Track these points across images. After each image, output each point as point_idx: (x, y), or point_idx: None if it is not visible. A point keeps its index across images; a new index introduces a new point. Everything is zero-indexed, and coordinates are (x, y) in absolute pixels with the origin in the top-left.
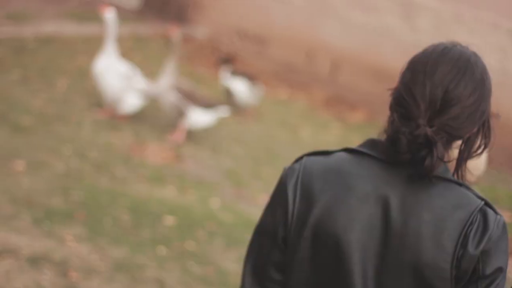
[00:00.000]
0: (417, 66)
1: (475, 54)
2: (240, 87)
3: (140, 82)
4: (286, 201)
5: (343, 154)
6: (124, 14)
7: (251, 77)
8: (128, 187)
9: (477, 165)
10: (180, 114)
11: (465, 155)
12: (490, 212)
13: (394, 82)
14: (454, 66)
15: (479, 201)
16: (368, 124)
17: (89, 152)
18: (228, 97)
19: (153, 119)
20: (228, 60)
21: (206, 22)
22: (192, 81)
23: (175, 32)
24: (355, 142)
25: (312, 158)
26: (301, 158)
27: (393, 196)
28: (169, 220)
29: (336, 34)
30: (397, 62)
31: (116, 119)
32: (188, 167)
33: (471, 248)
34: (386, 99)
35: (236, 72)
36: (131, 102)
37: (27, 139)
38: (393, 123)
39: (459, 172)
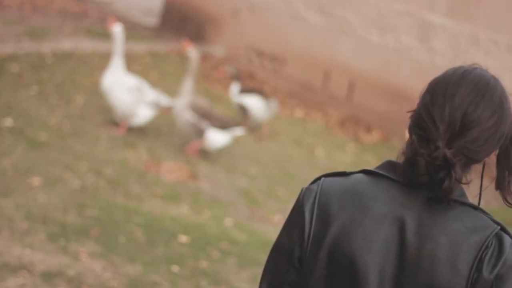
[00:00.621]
0: (437, 89)
1: (494, 78)
2: (254, 103)
3: (149, 94)
4: (303, 221)
5: (361, 175)
6: (141, 32)
7: (262, 93)
8: (142, 204)
9: None
10: (196, 133)
11: (506, 170)
12: (505, 236)
13: (410, 102)
14: (474, 89)
15: (494, 225)
16: (383, 144)
17: (104, 168)
18: (242, 114)
19: (168, 136)
20: (238, 77)
21: (223, 41)
22: (208, 99)
23: (191, 49)
24: (370, 162)
25: (330, 179)
26: (319, 178)
27: (409, 218)
28: (183, 239)
29: (352, 54)
30: (413, 83)
31: (130, 134)
32: (203, 185)
33: (485, 272)
34: (401, 119)
35: (246, 89)
36: (142, 114)
37: (44, 155)
38: (411, 145)
39: (504, 192)
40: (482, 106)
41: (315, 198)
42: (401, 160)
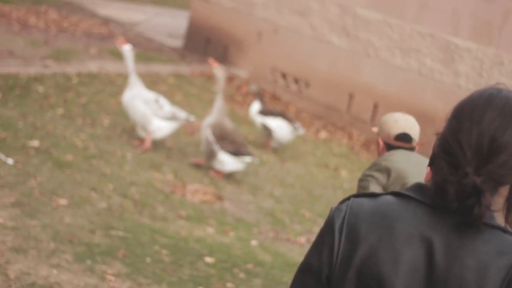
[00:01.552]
0: (463, 113)
1: None
2: (278, 125)
3: (165, 107)
4: (332, 241)
5: (389, 197)
6: (166, 54)
7: (286, 116)
8: (168, 225)
9: None
10: (208, 153)
11: None
12: None
13: (433, 124)
14: (501, 113)
15: None
16: None
17: (130, 189)
18: (265, 134)
19: (193, 157)
20: (260, 95)
21: (248, 63)
22: (232, 120)
23: (217, 68)
24: None
25: (359, 199)
26: (348, 199)
27: (437, 240)
28: (209, 260)
29: (377, 76)
30: (437, 104)
31: (156, 155)
32: (228, 206)
33: None
34: (425, 141)
35: (268, 109)
36: (159, 126)
37: (70, 176)
38: (441, 171)
39: (509, 218)
40: (510, 131)
41: (344, 218)
42: (429, 183)
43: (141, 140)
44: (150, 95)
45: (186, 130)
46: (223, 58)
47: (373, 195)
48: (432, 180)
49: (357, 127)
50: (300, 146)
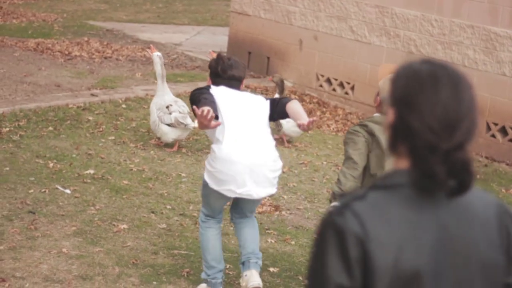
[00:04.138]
0: (413, 97)
1: (451, 65)
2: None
3: (173, 114)
4: (356, 253)
5: (379, 192)
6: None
7: None
8: (229, 239)
9: None
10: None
11: None
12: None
13: (483, 114)
14: (452, 85)
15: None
16: None
17: (188, 208)
18: (276, 128)
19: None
20: (281, 87)
21: (291, 71)
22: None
23: (156, 54)
24: None
25: (357, 204)
26: (344, 208)
27: (441, 216)
28: (273, 270)
29: None
30: (483, 94)
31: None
32: (286, 215)
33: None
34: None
35: None
36: (164, 131)
37: (128, 200)
38: (418, 156)
39: None
40: (465, 97)
41: (356, 226)
42: (407, 168)
43: (171, 146)
44: (168, 99)
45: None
46: (266, 70)
47: (360, 196)
48: (414, 167)
49: None
50: None
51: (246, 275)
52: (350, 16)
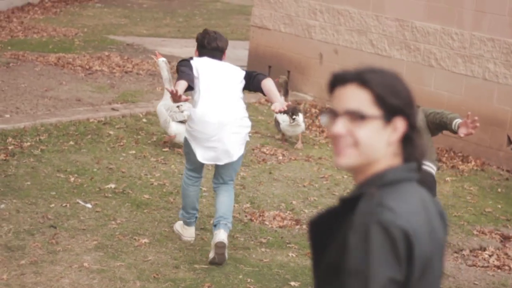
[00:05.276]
0: (405, 95)
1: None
2: (282, 118)
3: (182, 114)
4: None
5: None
6: None
7: (295, 110)
8: (250, 253)
9: None
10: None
11: None
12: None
13: (502, 128)
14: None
15: None
16: (481, 172)
17: (208, 222)
18: (276, 127)
19: (267, 186)
20: (286, 88)
21: (311, 85)
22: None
23: (161, 60)
24: (471, 191)
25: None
26: (377, 208)
27: (432, 203)
28: (294, 284)
29: (440, 86)
30: (504, 107)
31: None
32: (307, 228)
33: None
34: (496, 147)
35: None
36: (176, 129)
37: (149, 214)
38: (420, 145)
39: None
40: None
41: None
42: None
43: (168, 137)
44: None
45: (257, 159)
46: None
47: (389, 193)
48: (416, 158)
49: None
50: None
51: (215, 234)
52: (370, 30)
